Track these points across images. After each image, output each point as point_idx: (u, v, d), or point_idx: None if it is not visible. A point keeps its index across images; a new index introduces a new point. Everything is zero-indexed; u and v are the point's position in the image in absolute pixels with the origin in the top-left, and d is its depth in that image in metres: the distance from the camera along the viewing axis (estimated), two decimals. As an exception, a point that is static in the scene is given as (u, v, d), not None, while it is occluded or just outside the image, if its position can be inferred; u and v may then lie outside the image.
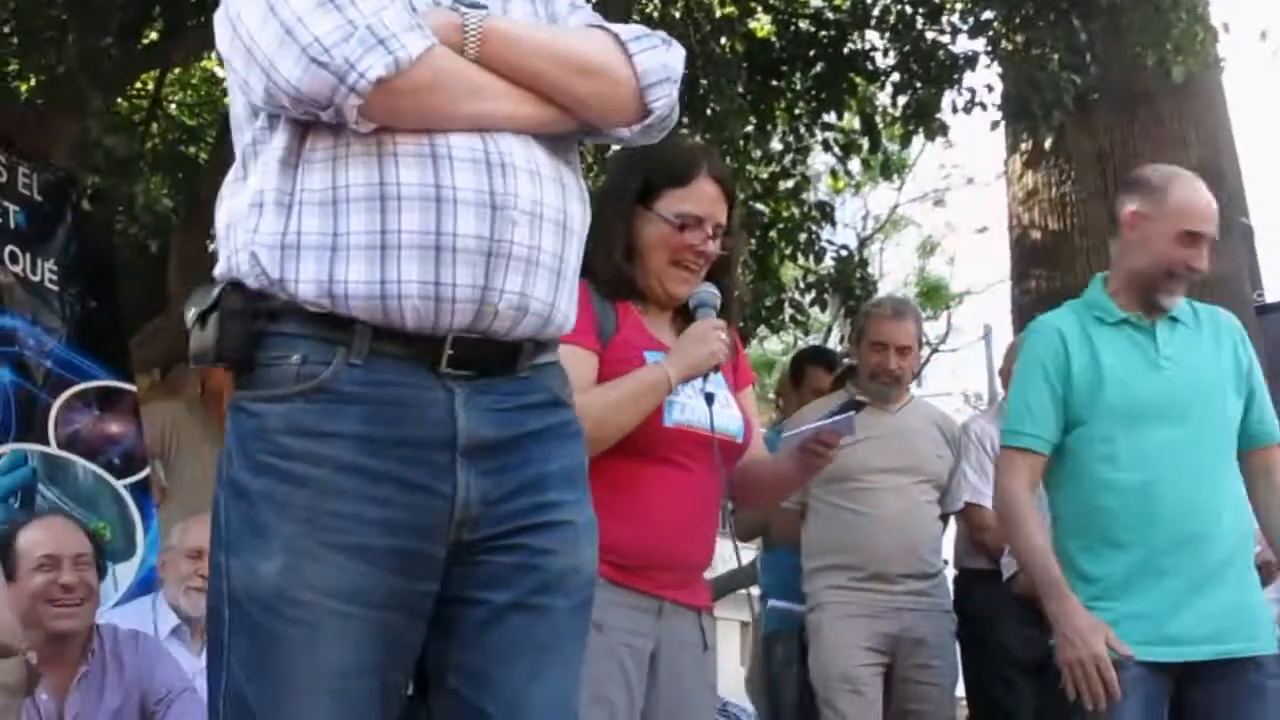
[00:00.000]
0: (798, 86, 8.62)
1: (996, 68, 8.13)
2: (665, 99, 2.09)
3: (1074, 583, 3.49)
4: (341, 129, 1.94)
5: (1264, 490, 3.59)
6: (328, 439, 1.91)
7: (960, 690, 5.45)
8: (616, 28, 2.11)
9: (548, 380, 2.08)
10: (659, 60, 2.08)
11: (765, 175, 8.89)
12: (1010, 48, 7.97)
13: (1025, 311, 7.73)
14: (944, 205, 19.85)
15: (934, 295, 20.10)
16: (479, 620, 1.98)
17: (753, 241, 8.07)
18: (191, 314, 1.97)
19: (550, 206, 2.01)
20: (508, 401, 2.01)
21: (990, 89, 8.11)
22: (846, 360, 5.87)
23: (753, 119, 8.35)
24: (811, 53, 8.38)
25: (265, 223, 1.95)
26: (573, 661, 2.05)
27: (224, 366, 1.98)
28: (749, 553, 9.77)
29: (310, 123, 1.95)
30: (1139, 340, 3.55)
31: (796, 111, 8.78)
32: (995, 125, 8.13)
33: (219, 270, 2.01)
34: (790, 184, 8.94)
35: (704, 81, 7.43)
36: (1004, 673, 4.99)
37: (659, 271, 2.87)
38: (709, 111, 7.51)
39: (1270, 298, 8.32)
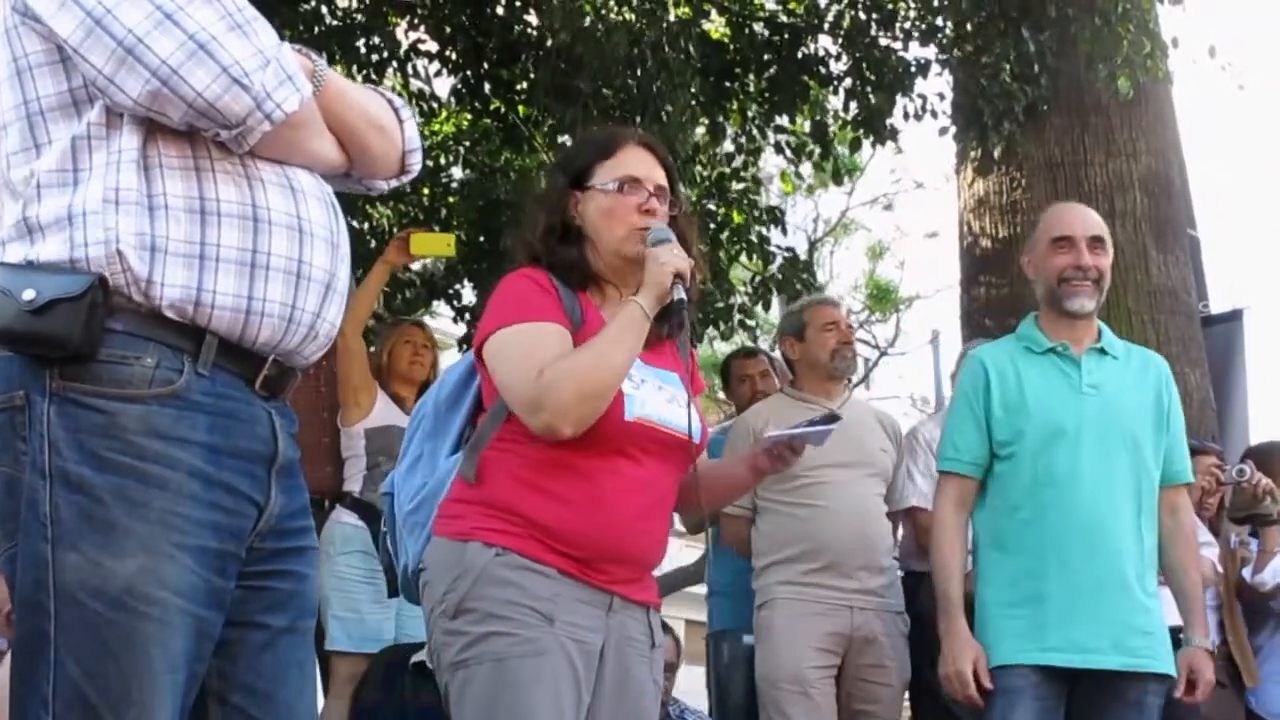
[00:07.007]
0: (751, 89, 8.66)
1: (948, 76, 8.19)
2: (419, 164, 2.39)
3: (988, 590, 3.71)
4: (196, 140, 2.04)
5: (1168, 528, 3.78)
6: (183, 444, 2.02)
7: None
8: (388, 94, 2.36)
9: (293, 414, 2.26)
10: (414, 129, 2.36)
11: (716, 176, 8.91)
12: (961, 55, 8.03)
13: (974, 317, 7.78)
14: (893, 210, 19.93)
15: (883, 299, 20.16)
16: (259, 643, 2.16)
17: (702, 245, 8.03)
18: (30, 295, 1.95)
19: (343, 241, 2.24)
20: (290, 427, 2.22)
21: (942, 97, 8.18)
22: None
23: (704, 120, 8.37)
24: (765, 56, 8.43)
25: (126, 222, 1.99)
26: (312, 677, 2.31)
27: (61, 356, 1.97)
28: (695, 551, 9.81)
29: (156, 127, 2.02)
30: (1064, 368, 3.76)
31: (749, 114, 8.82)
32: (944, 132, 8.18)
33: (53, 255, 2.00)
34: (741, 186, 8.97)
35: (657, 84, 7.43)
36: (947, 674, 5.02)
37: (616, 243, 2.88)
38: (663, 116, 7.51)
39: (1215, 309, 8.43)
